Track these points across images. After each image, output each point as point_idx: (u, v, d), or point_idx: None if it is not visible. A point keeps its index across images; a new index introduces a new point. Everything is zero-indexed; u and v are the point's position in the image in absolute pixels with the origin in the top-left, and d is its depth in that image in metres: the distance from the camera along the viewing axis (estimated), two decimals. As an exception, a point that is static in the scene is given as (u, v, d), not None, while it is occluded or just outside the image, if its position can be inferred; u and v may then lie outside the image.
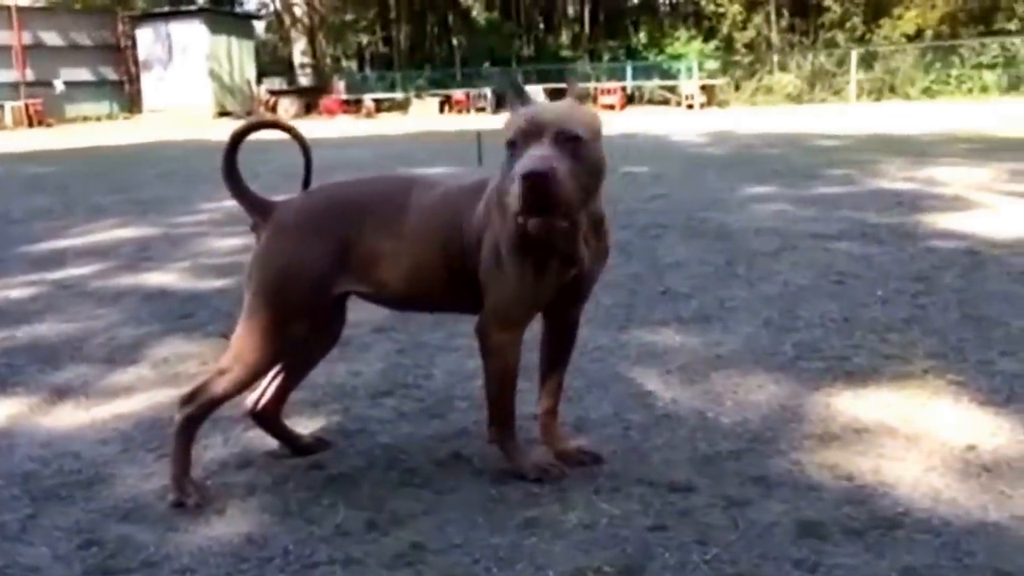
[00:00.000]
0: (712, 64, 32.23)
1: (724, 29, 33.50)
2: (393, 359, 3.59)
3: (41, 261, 5.92)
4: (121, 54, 33.05)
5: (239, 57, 32.00)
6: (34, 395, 3.32)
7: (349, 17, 39.22)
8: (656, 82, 31.25)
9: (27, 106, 28.14)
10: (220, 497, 2.43)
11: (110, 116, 31.45)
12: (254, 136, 2.53)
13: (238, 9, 38.90)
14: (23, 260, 6.00)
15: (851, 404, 2.95)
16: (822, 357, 3.43)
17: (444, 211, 2.41)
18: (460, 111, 29.72)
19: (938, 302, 4.11)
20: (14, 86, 29.09)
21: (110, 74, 32.85)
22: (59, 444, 2.85)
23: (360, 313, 3.23)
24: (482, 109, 29.70)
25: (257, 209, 2.49)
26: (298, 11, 36.50)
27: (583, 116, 2.21)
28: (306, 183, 2.56)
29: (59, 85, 30.23)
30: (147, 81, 31.47)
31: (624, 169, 9.68)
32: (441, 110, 30.16)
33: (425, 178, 2.62)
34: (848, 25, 31.58)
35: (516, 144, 2.15)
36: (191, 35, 30.77)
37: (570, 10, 39.18)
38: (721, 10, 33.20)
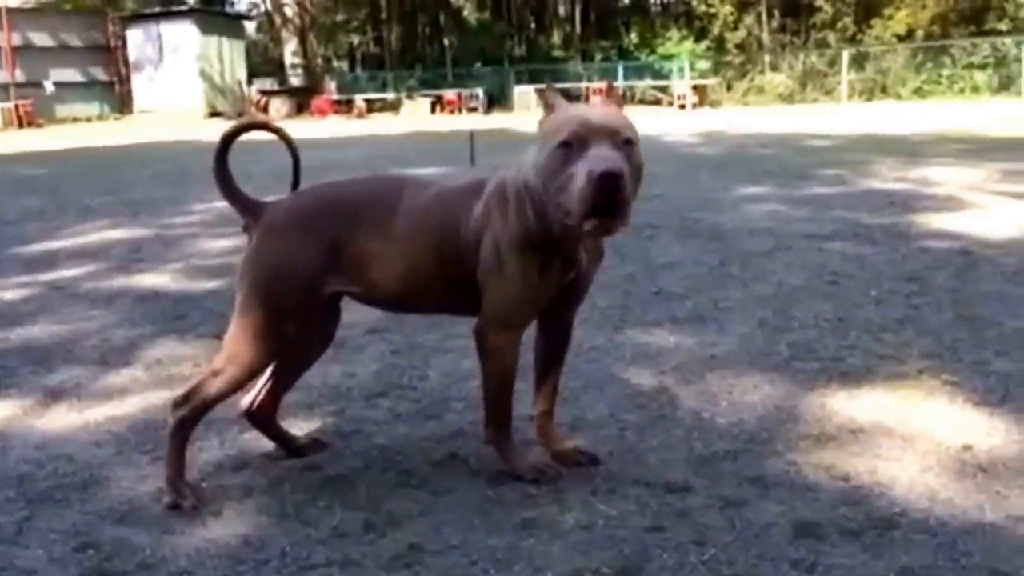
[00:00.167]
0: (704, 64, 32.24)
1: (715, 29, 33.48)
2: (388, 360, 3.58)
3: (33, 262, 5.90)
4: (111, 55, 32.92)
5: (230, 57, 31.91)
6: (27, 397, 3.31)
7: (340, 17, 39.16)
8: (648, 82, 31.25)
9: (17, 107, 28.01)
10: (216, 499, 2.43)
11: (100, 117, 31.33)
12: (245, 137, 2.53)
13: (229, 9, 38.74)
14: (15, 261, 5.98)
15: (846, 404, 2.95)
16: (817, 357, 3.43)
17: (438, 212, 2.41)
18: (452, 111, 29.68)
19: (932, 302, 4.12)
20: (4, 87, 28.93)
21: (100, 75, 32.72)
22: (53, 446, 2.84)
23: (354, 314, 3.23)
24: (474, 109, 29.67)
25: (248, 210, 2.48)
26: (289, 11, 36.43)
27: (630, 121, 2.21)
28: (295, 184, 2.55)
29: (49, 86, 30.12)
30: (138, 82, 31.35)
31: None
32: (432, 110, 30.12)
33: (417, 178, 2.62)
34: (839, 25, 31.60)
35: (571, 145, 2.12)
36: (182, 35, 30.67)
37: (561, 10, 39.18)
38: (712, 10, 33.19)
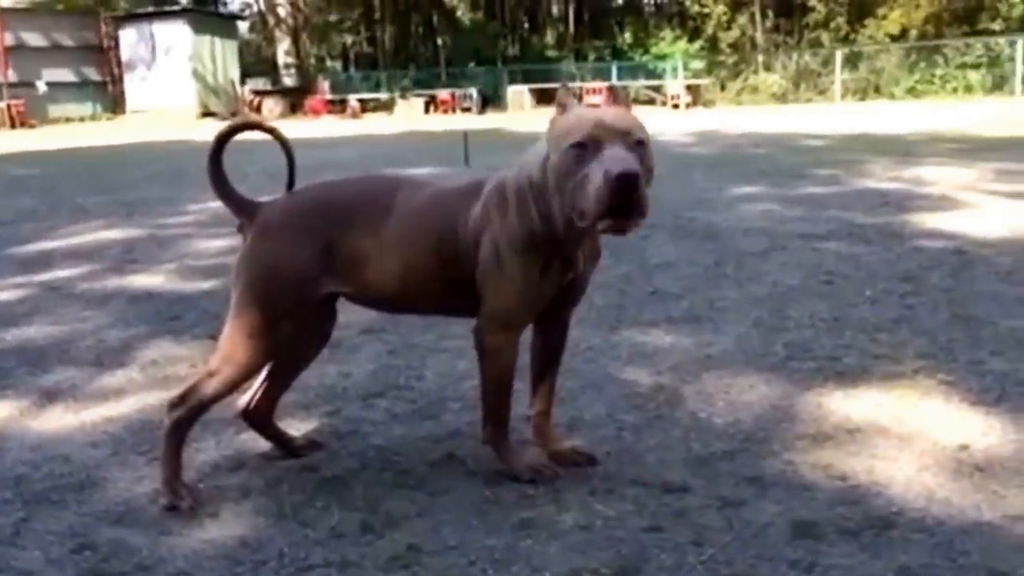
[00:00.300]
0: (697, 64, 32.28)
1: (709, 29, 33.51)
2: (384, 360, 3.58)
3: (27, 263, 5.89)
4: (104, 55, 32.84)
5: (223, 57, 31.86)
6: (23, 398, 3.30)
7: (333, 17, 39.15)
8: (642, 82, 31.24)
9: (9, 107, 27.92)
10: (213, 500, 2.42)
11: (93, 117, 31.26)
12: (240, 136, 2.52)
13: (222, 9, 38.71)
14: (9, 262, 5.96)
15: (843, 404, 2.96)
16: (813, 357, 3.44)
17: (436, 212, 2.40)
18: (446, 111, 29.67)
19: (927, 302, 4.13)
20: (-4, 87, 28.94)
21: (93, 75, 32.63)
22: (49, 447, 2.83)
23: (349, 315, 3.22)
24: (468, 109, 29.64)
25: (243, 210, 2.48)
26: (282, 11, 36.42)
27: (641, 122, 2.22)
28: (290, 184, 2.55)
29: (41, 86, 30.04)
30: (130, 82, 31.28)
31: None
32: (426, 110, 30.10)
33: (412, 179, 2.61)
34: (833, 25, 31.65)
35: (586, 146, 2.13)
36: (174, 35, 30.61)
37: (555, 10, 39.19)
38: (706, 10, 33.22)
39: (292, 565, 2.09)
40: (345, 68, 39.32)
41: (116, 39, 31.91)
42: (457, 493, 2.42)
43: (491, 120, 23.49)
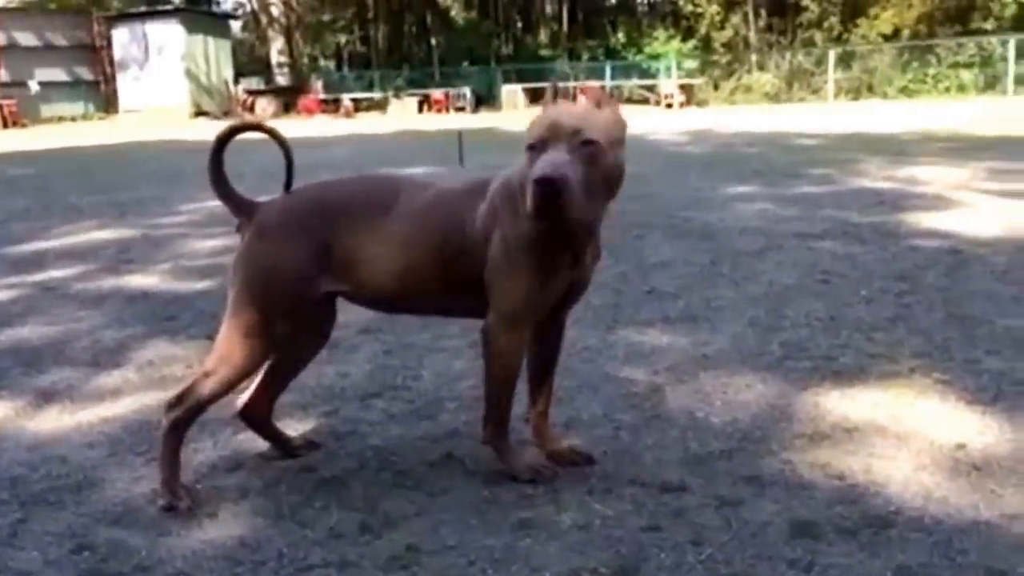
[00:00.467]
0: (691, 63, 32.29)
1: (702, 29, 33.54)
2: (381, 360, 3.58)
3: (21, 263, 5.87)
4: (97, 54, 32.75)
5: (216, 57, 31.79)
6: (19, 399, 3.30)
7: (326, 17, 39.10)
8: (635, 81, 31.26)
9: (1, 107, 27.83)
10: (211, 500, 2.42)
11: (86, 116, 31.18)
12: (238, 137, 2.52)
13: (215, 9, 38.62)
14: (3, 262, 5.95)
15: (839, 403, 2.96)
16: (809, 356, 3.44)
17: (440, 212, 2.40)
18: (439, 111, 29.65)
19: (922, 301, 4.13)
20: (-12, 87, 28.86)
21: (85, 74, 32.54)
22: (46, 448, 2.83)
23: (347, 315, 3.21)
24: (461, 109, 29.64)
25: (242, 210, 2.48)
26: (275, 11, 36.35)
27: (602, 121, 2.21)
28: (288, 184, 2.54)
29: (34, 85, 29.95)
30: (123, 81, 31.21)
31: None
32: (420, 110, 30.07)
33: (412, 179, 2.61)
34: (826, 25, 31.69)
35: (535, 147, 2.15)
36: (167, 35, 30.54)
37: (548, 9, 39.19)
38: (699, 10, 33.24)
39: (291, 565, 2.08)
40: (338, 67, 39.30)
41: (109, 38, 31.82)
42: (455, 493, 2.42)
43: (485, 119, 23.47)
